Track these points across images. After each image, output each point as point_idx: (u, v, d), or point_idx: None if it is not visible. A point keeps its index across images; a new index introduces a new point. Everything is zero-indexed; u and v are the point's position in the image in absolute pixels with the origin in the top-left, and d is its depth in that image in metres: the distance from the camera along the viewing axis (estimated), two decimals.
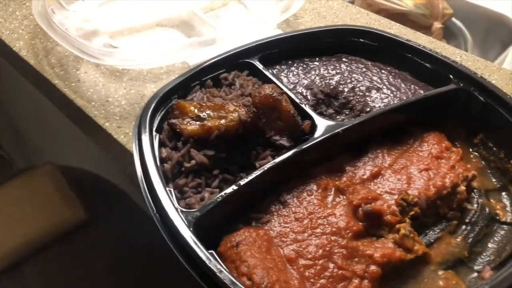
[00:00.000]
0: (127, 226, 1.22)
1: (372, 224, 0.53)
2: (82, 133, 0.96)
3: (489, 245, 0.55)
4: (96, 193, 1.26)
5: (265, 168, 0.54)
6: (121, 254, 1.17)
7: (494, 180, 0.62)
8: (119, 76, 0.80)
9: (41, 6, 0.84)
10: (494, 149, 0.63)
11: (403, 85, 0.70)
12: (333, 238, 0.51)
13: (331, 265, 0.49)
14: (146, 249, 1.17)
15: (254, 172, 0.54)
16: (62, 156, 1.39)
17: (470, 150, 0.66)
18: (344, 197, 0.56)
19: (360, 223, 0.53)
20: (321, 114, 0.66)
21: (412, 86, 0.70)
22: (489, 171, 0.63)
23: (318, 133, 0.59)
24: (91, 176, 1.30)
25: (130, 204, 1.26)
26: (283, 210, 0.55)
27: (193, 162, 0.57)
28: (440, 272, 0.52)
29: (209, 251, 0.45)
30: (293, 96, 0.64)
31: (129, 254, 1.17)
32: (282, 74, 0.72)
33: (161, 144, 0.59)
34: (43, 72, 0.80)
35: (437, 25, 1.54)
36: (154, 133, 0.59)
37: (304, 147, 0.57)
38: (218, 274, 0.42)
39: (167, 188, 0.52)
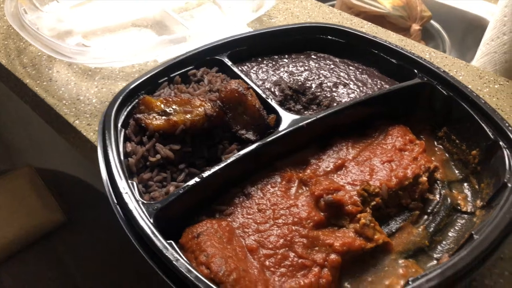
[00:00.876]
0: (106, 228, 1.22)
1: (334, 214, 0.54)
2: (62, 140, 0.96)
3: (449, 234, 0.56)
4: (75, 195, 1.26)
5: (229, 161, 0.55)
6: (99, 256, 1.16)
7: (457, 171, 0.64)
8: (91, 75, 0.80)
9: (14, 6, 0.84)
10: (457, 141, 0.64)
11: (369, 81, 0.71)
12: (294, 228, 0.52)
13: (292, 254, 0.50)
14: (124, 252, 1.17)
15: (218, 165, 0.54)
16: (41, 158, 1.38)
17: (435, 143, 0.67)
18: (307, 188, 0.56)
19: (322, 213, 0.53)
20: (289, 109, 0.66)
21: (379, 81, 0.71)
22: (452, 163, 0.65)
23: (283, 126, 0.60)
24: (69, 178, 1.29)
25: (109, 206, 1.25)
26: (247, 201, 0.55)
27: (158, 156, 0.57)
28: (400, 261, 0.53)
29: (168, 241, 0.45)
30: (259, 91, 0.64)
31: (107, 256, 1.16)
32: (252, 71, 0.73)
33: (127, 139, 0.59)
34: (14, 72, 0.80)
35: (415, 26, 1.56)
36: (119, 128, 0.59)
37: (268, 140, 0.58)
38: (174, 262, 0.43)
39: (130, 181, 0.52)
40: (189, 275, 0.42)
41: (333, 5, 1.56)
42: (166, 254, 0.43)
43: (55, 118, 0.74)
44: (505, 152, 0.56)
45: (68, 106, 0.74)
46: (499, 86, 0.79)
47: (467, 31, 1.55)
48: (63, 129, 0.75)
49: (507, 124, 0.58)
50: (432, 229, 0.56)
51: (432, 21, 1.60)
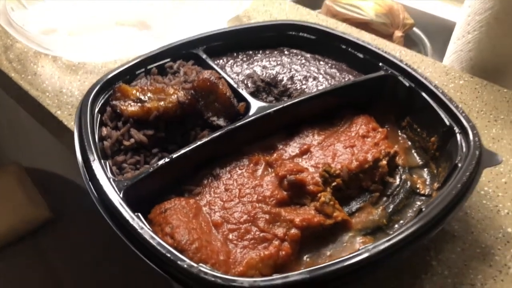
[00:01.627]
0: (92, 227, 1.24)
1: (296, 193, 0.57)
2: (47, 135, 0.99)
3: (408, 214, 0.60)
4: (61, 193, 1.28)
5: (198, 143, 0.58)
6: (85, 254, 1.18)
7: (418, 158, 0.67)
8: (75, 70, 0.83)
9: (2, 5, 0.88)
10: (419, 130, 0.68)
11: (338, 74, 0.75)
12: (258, 205, 0.55)
13: (254, 229, 0.53)
14: (110, 250, 1.19)
15: (187, 147, 0.58)
16: (28, 158, 1.41)
17: (399, 132, 0.71)
18: (273, 170, 0.60)
19: (285, 192, 0.57)
20: (261, 100, 0.70)
21: (347, 75, 0.75)
22: (413, 150, 0.68)
23: (251, 113, 0.63)
24: (56, 177, 1.32)
25: (95, 204, 1.27)
26: (215, 182, 0.58)
27: (132, 140, 0.61)
28: (358, 238, 0.56)
29: (136, 214, 0.48)
30: (230, 80, 0.68)
31: (93, 254, 1.19)
32: (227, 64, 0.77)
33: (103, 124, 0.62)
34: (0, 66, 0.84)
35: (397, 33, 1.61)
36: (96, 114, 0.62)
37: (236, 125, 0.61)
38: (139, 230, 0.46)
39: (103, 161, 0.55)
40: (152, 241, 0.44)
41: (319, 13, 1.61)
42: (132, 223, 0.46)
43: (39, 109, 0.77)
44: (458, 136, 0.59)
45: (51, 98, 0.77)
46: (463, 82, 0.83)
47: (448, 38, 1.61)
48: (46, 120, 0.78)
49: (461, 111, 0.61)
50: (390, 209, 0.60)
51: (414, 29, 1.65)
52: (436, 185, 0.61)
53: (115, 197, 0.49)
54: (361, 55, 0.75)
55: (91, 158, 0.54)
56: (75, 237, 1.20)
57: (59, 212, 1.20)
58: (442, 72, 0.86)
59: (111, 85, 0.66)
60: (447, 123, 0.62)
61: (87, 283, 1.17)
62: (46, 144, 1.34)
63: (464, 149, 0.58)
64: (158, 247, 0.44)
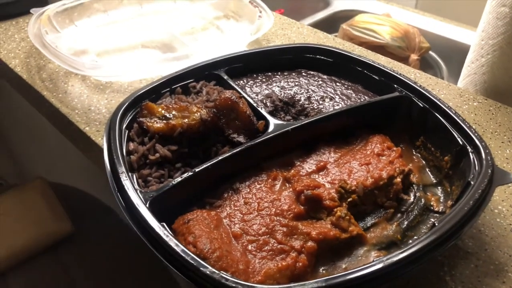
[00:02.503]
0: (112, 241, 1.28)
1: (313, 208, 0.59)
2: (72, 152, 1.03)
3: (421, 230, 0.61)
4: (83, 209, 1.32)
5: (219, 158, 0.61)
6: (105, 267, 1.21)
7: (432, 176, 0.69)
8: (102, 89, 0.88)
9: (37, 28, 0.94)
10: (432, 149, 0.70)
11: (354, 95, 0.78)
12: (276, 218, 0.57)
13: (272, 241, 0.55)
14: (130, 263, 1.22)
15: (209, 161, 0.61)
16: (53, 174, 1.46)
17: (413, 151, 0.73)
18: (290, 185, 0.62)
19: (302, 207, 0.59)
20: (280, 119, 0.73)
21: (362, 95, 0.78)
22: (428, 169, 0.70)
23: (269, 130, 0.66)
24: (79, 193, 1.36)
25: (116, 220, 1.31)
26: (235, 196, 0.61)
27: (157, 155, 0.64)
28: (373, 252, 0.58)
29: (161, 223, 0.51)
30: (250, 100, 0.71)
31: (113, 267, 1.21)
32: (247, 85, 0.81)
33: (130, 140, 0.66)
34: (34, 85, 0.89)
35: (413, 57, 1.64)
36: (124, 130, 0.66)
37: (256, 141, 0.64)
38: (165, 238, 0.48)
39: (130, 173, 0.58)
40: (176, 249, 0.47)
41: (336, 37, 1.65)
42: (158, 232, 0.49)
43: (68, 125, 0.82)
44: (471, 156, 0.61)
45: (80, 115, 0.82)
46: (477, 103, 0.85)
47: (464, 62, 1.63)
48: (74, 136, 0.82)
49: (473, 131, 0.63)
50: (405, 225, 0.61)
51: (430, 52, 1.68)
52: (449, 202, 0.63)
53: (142, 207, 0.52)
54: (376, 77, 0.78)
55: (119, 170, 0.57)
56: (95, 251, 1.23)
57: (80, 226, 1.24)
58: (456, 94, 0.88)
59: (138, 103, 0.70)
60: (460, 142, 0.64)
61: None
62: (71, 160, 1.40)
63: (477, 168, 0.59)
64: (183, 254, 0.47)
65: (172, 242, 0.48)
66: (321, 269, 0.55)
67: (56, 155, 1.42)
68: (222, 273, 0.46)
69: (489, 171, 0.57)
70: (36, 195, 1.24)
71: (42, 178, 1.28)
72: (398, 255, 0.47)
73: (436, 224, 0.51)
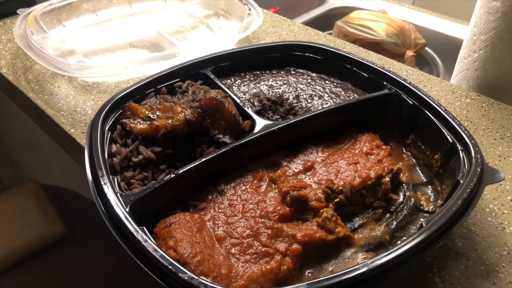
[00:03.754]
0: (106, 243, 1.27)
1: (298, 209, 0.58)
2: (63, 153, 1.01)
3: (411, 231, 0.60)
4: (77, 211, 1.31)
5: (203, 159, 0.60)
6: (98, 269, 1.20)
7: (422, 175, 0.67)
8: (89, 90, 0.87)
9: (23, 29, 0.92)
10: (423, 147, 0.68)
11: (343, 93, 0.77)
12: (260, 220, 0.56)
13: (256, 244, 0.54)
14: (123, 265, 1.21)
15: (193, 163, 0.59)
16: (45, 175, 1.45)
17: (403, 150, 0.71)
18: (276, 186, 0.61)
19: (287, 208, 0.58)
20: (267, 119, 0.72)
21: (352, 93, 0.77)
22: (418, 168, 0.69)
23: (256, 130, 0.65)
24: (72, 195, 1.35)
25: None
26: (219, 197, 0.60)
27: (140, 157, 0.63)
28: (361, 254, 0.57)
29: (140, 227, 0.50)
30: (236, 99, 0.70)
31: (106, 270, 1.20)
32: (234, 84, 0.79)
33: (113, 141, 0.64)
34: (19, 87, 0.88)
35: (409, 53, 1.62)
36: (106, 131, 0.64)
37: (241, 142, 0.63)
38: (143, 243, 0.47)
39: (112, 176, 0.57)
40: (154, 254, 0.46)
41: (331, 34, 1.64)
42: (137, 236, 0.48)
43: (54, 127, 0.80)
44: (461, 154, 0.60)
45: (66, 116, 0.80)
46: (470, 100, 0.84)
47: None
48: (60, 138, 0.81)
49: (463, 128, 0.62)
50: (394, 226, 0.60)
51: (426, 48, 1.66)
52: (439, 202, 0.61)
53: (121, 211, 0.51)
54: (365, 74, 0.76)
55: (99, 173, 0.56)
56: (88, 253, 1.22)
57: (73, 229, 1.23)
58: (448, 90, 0.87)
59: (122, 104, 0.69)
60: (450, 140, 0.62)
61: None
62: (62, 162, 1.39)
63: (466, 166, 0.58)
64: (161, 259, 0.45)
65: (151, 247, 0.47)
66: (307, 272, 0.54)
67: (47, 157, 1.41)
68: (202, 279, 0.44)
69: (479, 170, 0.56)
70: (28, 198, 1.23)
71: (34, 180, 1.27)
72: (384, 258, 0.46)
73: (424, 225, 0.50)
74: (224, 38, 0.90)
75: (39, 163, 1.53)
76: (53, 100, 0.84)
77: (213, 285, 0.44)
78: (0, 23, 1.09)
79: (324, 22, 1.75)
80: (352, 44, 1.01)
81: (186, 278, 0.44)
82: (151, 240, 0.48)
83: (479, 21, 0.85)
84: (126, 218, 0.50)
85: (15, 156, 1.75)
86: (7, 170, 1.88)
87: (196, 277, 0.44)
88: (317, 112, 0.68)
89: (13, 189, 1.26)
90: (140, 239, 0.48)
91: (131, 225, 0.49)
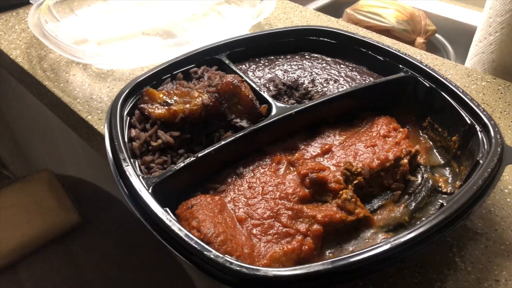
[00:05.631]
0: (119, 231, 1.28)
1: (318, 191, 0.58)
2: (77, 142, 1.02)
3: (429, 212, 0.60)
4: (91, 199, 1.32)
5: (222, 143, 0.60)
6: (113, 256, 1.22)
7: (439, 157, 0.67)
8: (104, 77, 0.87)
9: (37, 18, 0.93)
10: (440, 129, 0.68)
11: (358, 77, 0.77)
12: (280, 202, 0.56)
13: (277, 224, 0.54)
14: (137, 253, 1.23)
15: (212, 146, 0.60)
16: (59, 166, 1.46)
17: (420, 132, 0.71)
18: (295, 169, 0.61)
19: (307, 190, 0.58)
20: (283, 103, 0.72)
21: (367, 77, 0.76)
22: (435, 150, 0.69)
23: (273, 114, 0.65)
24: (86, 184, 1.36)
25: (123, 211, 1.32)
26: (239, 180, 0.60)
27: (159, 141, 0.63)
28: (380, 234, 0.57)
29: (164, 209, 0.51)
30: (252, 84, 0.70)
31: (121, 257, 1.22)
32: (249, 69, 0.79)
33: (131, 126, 0.65)
34: (35, 75, 0.88)
35: (419, 40, 1.61)
36: (125, 116, 0.65)
37: (259, 125, 0.63)
38: (167, 223, 0.48)
39: (132, 160, 0.58)
40: (180, 233, 0.46)
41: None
42: (161, 217, 0.49)
43: (70, 114, 0.81)
44: (479, 134, 0.60)
45: (82, 104, 0.81)
46: (486, 83, 0.83)
47: (470, 43, 1.60)
48: (77, 125, 0.82)
49: (482, 109, 0.62)
50: (412, 207, 0.60)
51: (437, 35, 1.65)
52: (458, 183, 0.62)
53: (145, 193, 0.52)
54: (381, 58, 0.76)
55: (121, 156, 0.56)
56: (102, 240, 1.23)
57: (87, 217, 1.24)
58: (463, 74, 0.86)
59: (139, 90, 0.69)
60: (468, 121, 0.62)
61: (114, 285, 1.20)
62: (76, 152, 1.40)
63: (486, 147, 0.58)
64: (186, 239, 0.46)
65: (176, 226, 0.47)
66: (327, 252, 0.55)
67: (61, 147, 1.43)
68: (227, 257, 0.45)
69: (499, 150, 0.56)
70: (43, 187, 1.25)
71: (48, 170, 1.28)
72: (405, 236, 0.46)
73: (445, 204, 0.50)
74: (237, 24, 0.90)
75: (49, 153, 1.55)
76: (68, 88, 0.85)
77: (237, 263, 0.44)
78: (13, 13, 1.10)
79: (333, 10, 1.74)
80: (365, 29, 1.01)
81: (212, 256, 0.44)
82: (175, 220, 0.49)
83: (495, 2, 0.84)
84: (150, 200, 0.50)
85: (25, 147, 1.76)
86: (17, 161, 1.90)
87: (221, 255, 0.45)
88: (334, 95, 0.68)
89: (28, 178, 1.27)
90: (165, 219, 0.48)
91: (156, 206, 0.50)
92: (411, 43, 1.56)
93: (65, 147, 1.41)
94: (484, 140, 0.59)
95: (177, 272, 1.14)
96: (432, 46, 1.64)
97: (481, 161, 0.55)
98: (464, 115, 0.63)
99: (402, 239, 0.46)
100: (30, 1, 0.99)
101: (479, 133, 0.60)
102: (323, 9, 1.68)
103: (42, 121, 1.47)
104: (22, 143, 1.77)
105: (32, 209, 1.21)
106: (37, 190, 1.24)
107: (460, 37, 1.63)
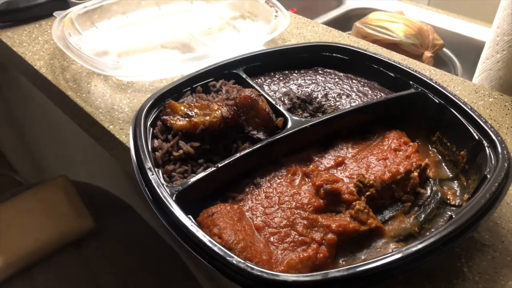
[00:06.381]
0: (132, 237, 1.31)
1: (332, 201, 0.61)
2: (91, 151, 1.05)
3: (438, 223, 0.63)
4: (105, 206, 1.36)
5: (241, 154, 0.63)
6: (126, 262, 1.25)
7: (448, 171, 0.70)
8: (124, 89, 0.91)
9: (60, 30, 0.97)
10: (448, 144, 0.71)
11: (370, 92, 0.80)
12: (296, 211, 0.59)
13: (293, 233, 0.57)
14: (149, 258, 1.26)
15: (231, 156, 0.63)
16: (72, 172, 1.49)
17: (429, 146, 0.74)
18: (309, 180, 0.64)
19: (321, 200, 0.61)
20: (297, 117, 0.75)
21: (379, 92, 0.80)
22: (444, 164, 0.71)
23: (288, 127, 0.68)
24: (100, 191, 1.40)
25: (136, 217, 1.35)
26: (256, 190, 0.63)
27: (180, 151, 0.66)
28: (391, 244, 0.60)
29: (188, 216, 0.54)
30: (268, 98, 0.73)
31: (133, 262, 1.25)
32: (265, 83, 0.83)
33: (154, 137, 0.68)
34: (58, 86, 0.92)
35: (427, 54, 1.64)
36: (148, 127, 0.68)
37: (275, 138, 0.66)
38: (193, 230, 0.51)
39: (156, 169, 0.61)
40: (204, 240, 0.49)
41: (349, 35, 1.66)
42: (186, 224, 0.52)
43: (93, 124, 0.85)
44: (487, 150, 0.63)
45: (104, 114, 0.84)
46: (493, 99, 0.86)
47: (478, 58, 1.63)
48: (99, 135, 0.85)
49: (489, 126, 0.65)
50: (422, 218, 0.63)
51: (444, 49, 1.68)
52: (466, 196, 0.64)
53: (170, 201, 0.55)
54: (392, 74, 0.79)
55: (146, 166, 0.60)
56: (116, 246, 1.26)
57: (102, 223, 1.27)
58: (471, 90, 0.89)
59: (161, 102, 0.73)
60: (476, 137, 0.65)
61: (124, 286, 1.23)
62: (87, 158, 1.43)
63: (493, 162, 0.61)
64: (210, 245, 0.49)
65: (200, 233, 0.50)
66: (341, 260, 0.57)
67: (72, 153, 1.46)
68: (248, 263, 0.48)
69: (506, 165, 0.58)
70: (58, 193, 1.28)
71: (64, 176, 1.32)
72: (416, 246, 0.49)
73: (454, 216, 0.53)
74: (253, 39, 0.93)
75: (60, 158, 1.58)
76: (90, 98, 0.89)
77: (258, 268, 0.47)
78: (36, 24, 1.14)
79: (342, 23, 1.77)
80: (375, 45, 1.04)
81: (234, 261, 0.47)
82: (199, 227, 0.52)
83: (502, 22, 0.87)
84: (175, 207, 0.53)
85: (36, 152, 1.80)
86: (28, 166, 1.94)
87: (243, 261, 0.48)
88: (348, 109, 0.71)
89: (44, 184, 1.31)
90: (190, 226, 0.51)
91: (180, 214, 0.53)
92: (419, 57, 1.60)
93: (76, 153, 1.45)
94: (492, 155, 0.62)
95: (187, 277, 1.16)
96: (439, 60, 1.67)
97: (488, 176, 0.58)
98: (472, 131, 0.66)
99: (414, 249, 0.49)
100: (54, 14, 1.03)
101: (486, 148, 0.63)
102: (332, 22, 1.72)
103: (53, 126, 1.51)
104: (34, 148, 1.81)
105: (48, 214, 1.25)
106: (53, 196, 1.28)
107: (467, 52, 1.66)
